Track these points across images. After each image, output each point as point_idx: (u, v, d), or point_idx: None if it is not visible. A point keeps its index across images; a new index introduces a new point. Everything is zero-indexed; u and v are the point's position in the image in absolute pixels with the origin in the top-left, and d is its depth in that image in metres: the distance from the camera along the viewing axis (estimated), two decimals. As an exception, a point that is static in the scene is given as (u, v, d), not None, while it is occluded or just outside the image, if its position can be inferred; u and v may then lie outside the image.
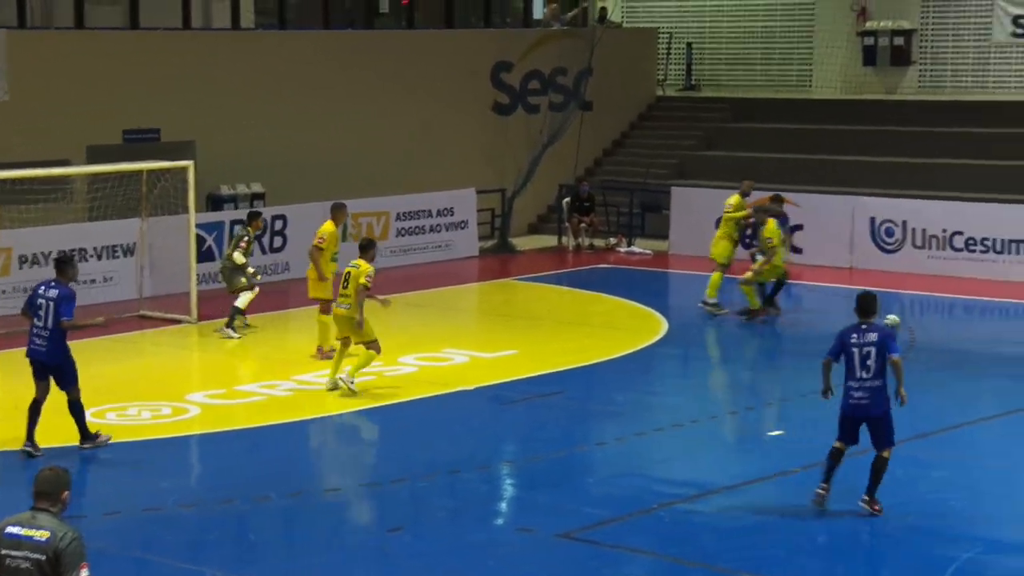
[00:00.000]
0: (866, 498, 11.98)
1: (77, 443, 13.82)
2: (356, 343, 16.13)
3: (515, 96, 28.80)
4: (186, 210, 20.32)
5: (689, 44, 33.31)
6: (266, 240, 23.02)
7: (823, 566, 11.39)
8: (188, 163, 20.39)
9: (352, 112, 26.23)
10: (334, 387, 16.00)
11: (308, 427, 15.21)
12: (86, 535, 7.38)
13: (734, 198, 20.58)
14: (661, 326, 19.73)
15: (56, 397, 13.74)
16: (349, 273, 16.06)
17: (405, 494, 12.90)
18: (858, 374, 11.88)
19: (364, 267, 15.97)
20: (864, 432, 12.05)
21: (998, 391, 16.55)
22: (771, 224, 19.75)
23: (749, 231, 21.18)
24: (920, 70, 30.52)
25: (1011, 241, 23.04)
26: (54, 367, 13.60)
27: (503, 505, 13.03)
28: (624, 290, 22.54)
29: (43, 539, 7.21)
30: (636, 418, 15.56)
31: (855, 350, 11.90)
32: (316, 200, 23.30)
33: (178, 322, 19.84)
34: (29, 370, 13.77)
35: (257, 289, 19.15)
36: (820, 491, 12.12)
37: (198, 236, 20.94)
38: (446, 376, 16.98)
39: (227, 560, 11.44)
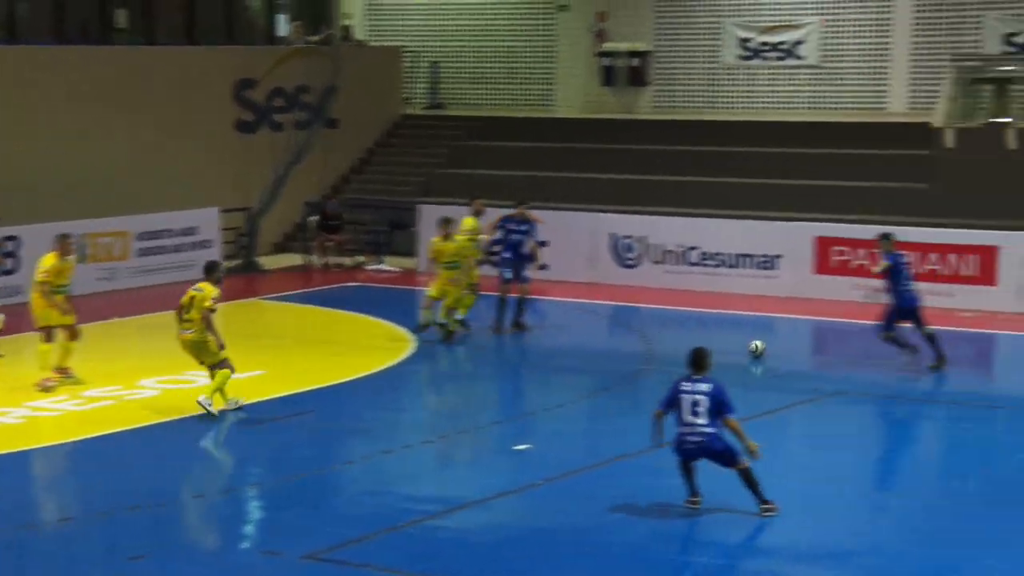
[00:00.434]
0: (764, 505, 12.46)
1: None
2: (207, 365, 15.89)
3: (260, 113, 28.50)
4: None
5: (434, 63, 33.59)
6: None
7: (568, 577, 11.63)
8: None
9: (89, 129, 25.49)
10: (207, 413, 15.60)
11: (44, 454, 14.68)
12: None
13: (468, 220, 20.72)
14: (409, 344, 19.82)
15: None
16: (193, 297, 15.76)
17: (146, 521, 12.57)
18: (687, 419, 12.45)
19: (208, 290, 15.81)
20: None
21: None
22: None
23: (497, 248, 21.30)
24: (655, 91, 31.54)
25: (740, 255, 24.04)
26: None
27: (249, 528, 12.86)
28: (372, 308, 22.56)
29: None
30: (385, 436, 15.57)
31: (684, 397, 12.48)
32: (52, 220, 22.55)
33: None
34: None
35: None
36: (691, 503, 12.59)
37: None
38: (189, 399, 16.64)
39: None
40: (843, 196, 25.04)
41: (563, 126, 30.35)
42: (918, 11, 29.12)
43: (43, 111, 24.87)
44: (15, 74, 24.64)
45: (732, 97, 30.83)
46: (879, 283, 18.85)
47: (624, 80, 31.53)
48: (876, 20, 29.50)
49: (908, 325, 18.28)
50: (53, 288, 17.03)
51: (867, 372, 18.43)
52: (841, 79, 29.81)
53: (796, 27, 30.20)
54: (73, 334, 17.14)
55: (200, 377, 17.66)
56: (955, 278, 22.48)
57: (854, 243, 23.03)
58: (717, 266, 24.21)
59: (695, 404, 12.49)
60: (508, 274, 20.80)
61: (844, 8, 29.79)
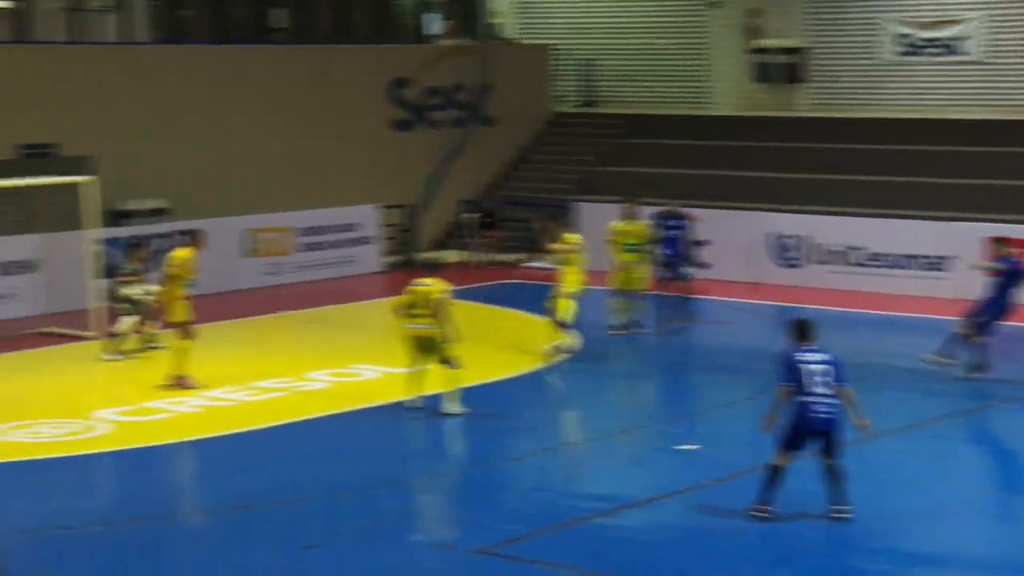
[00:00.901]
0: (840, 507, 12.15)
1: None
2: (436, 360, 15.99)
3: (415, 112, 28.82)
4: (86, 226, 20.00)
5: (587, 61, 33.57)
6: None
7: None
8: (87, 178, 20.08)
9: (256, 128, 26.06)
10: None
11: (218, 444, 15.04)
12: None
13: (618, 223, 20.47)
14: (569, 341, 19.81)
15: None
16: (418, 293, 15.83)
17: (319, 511, 12.81)
18: (815, 390, 11.97)
19: (436, 284, 15.94)
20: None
21: (893, 404, 16.81)
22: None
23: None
24: (812, 87, 31.09)
25: (907, 256, 23.60)
26: None
27: (419, 520, 13.01)
28: (531, 305, 22.61)
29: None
30: (548, 433, 15.63)
31: (808, 367, 11.98)
32: (220, 216, 23.17)
33: (80, 338, 19.53)
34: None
35: (135, 318, 18.71)
36: (761, 512, 12.26)
37: (98, 252, 20.61)
38: (357, 392, 16.92)
39: (141, 580, 11.30)
40: (1013, 195, 24.39)
41: (718, 123, 30.09)
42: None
43: (209, 110, 25.48)
44: (180, 74, 25.27)
45: (892, 93, 30.23)
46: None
47: (780, 77, 31.14)
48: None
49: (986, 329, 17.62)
50: (184, 283, 17.04)
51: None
52: (1007, 75, 29.04)
53: (956, 22, 29.52)
54: (189, 333, 17.07)
55: (365, 370, 17.98)
56: None
57: (1024, 243, 22.42)
58: (882, 267, 23.78)
59: (822, 374, 11.96)
60: (666, 272, 20.72)
61: (1007, 3, 29.01)
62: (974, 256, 22.80)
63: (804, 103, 31.11)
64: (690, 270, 20.84)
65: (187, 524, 12.41)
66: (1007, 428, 15.91)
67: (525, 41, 33.71)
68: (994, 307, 17.59)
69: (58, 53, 24.21)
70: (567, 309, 18.99)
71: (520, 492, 13.65)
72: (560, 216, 24.28)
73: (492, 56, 29.15)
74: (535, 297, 23.82)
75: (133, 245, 18.90)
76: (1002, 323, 17.68)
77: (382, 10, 30.26)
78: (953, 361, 17.45)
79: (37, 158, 22.97)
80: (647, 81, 33.27)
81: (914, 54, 30.02)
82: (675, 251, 20.98)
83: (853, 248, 24.06)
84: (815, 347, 12.26)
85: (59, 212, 20.63)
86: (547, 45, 33.01)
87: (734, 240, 24.84)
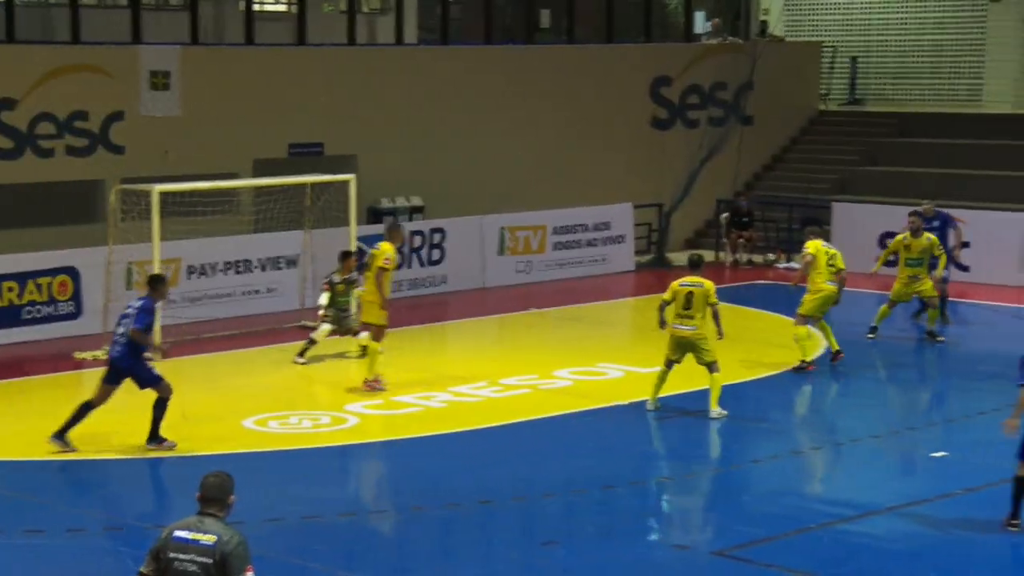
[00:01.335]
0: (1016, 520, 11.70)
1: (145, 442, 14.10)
2: (702, 362, 15.76)
3: (674, 111, 28.70)
4: (347, 222, 20.67)
5: (854, 58, 32.79)
6: (424, 253, 23.35)
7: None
8: (350, 176, 20.75)
9: (511, 126, 26.42)
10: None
11: (464, 438, 15.30)
12: (247, 539, 7.53)
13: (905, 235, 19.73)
14: (820, 344, 19.39)
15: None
16: (692, 293, 15.51)
17: (558, 508, 12.89)
18: None
19: (709, 284, 15.67)
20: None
21: None
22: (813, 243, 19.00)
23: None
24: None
25: None
26: (126, 369, 14.04)
27: (657, 521, 12.95)
28: (783, 307, 22.20)
29: (209, 543, 7.39)
30: (793, 436, 15.34)
31: None
32: (473, 214, 23.59)
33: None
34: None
35: (326, 326, 18.46)
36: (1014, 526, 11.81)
37: (358, 248, 21.26)
38: (601, 390, 16.96)
39: (382, 570, 11.55)
40: None
41: (990, 122, 28.93)
42: None
43: (470, 110, 25.96)
44: (448, 75, 25.82)
45: None
46: None
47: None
48: None
49: None
50: (390, 278, 16.80)
51: None
52: None
53: None
54: (379, 334, 16.78)
55: (611, 369, 18.00)
56: None
57: None
58: None
59: None
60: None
61: None
62: None
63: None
64: (947, 273, 20.09)
65: (428, 517, 12.65)
66: None
67: (791, 39, 33.16)
68: None
69: (329, 55, 25.08)
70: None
71: (760, 495, 13.43)
72: (812, 218, 23.76)
73: (760, 54, 28.76)
74: (786, 299, 23.39)
75: (344, 255, 19.05)
76: None
77: (649, 9, 30.23)
78: None
79: (306, 157, 23.88)
80: (918, 78, 32.29)
81: None
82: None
83: None
84: None
85: (320, 209, 21.39)
86: (818, 43, 32.38)
87: (1002, 242, 23.82)
